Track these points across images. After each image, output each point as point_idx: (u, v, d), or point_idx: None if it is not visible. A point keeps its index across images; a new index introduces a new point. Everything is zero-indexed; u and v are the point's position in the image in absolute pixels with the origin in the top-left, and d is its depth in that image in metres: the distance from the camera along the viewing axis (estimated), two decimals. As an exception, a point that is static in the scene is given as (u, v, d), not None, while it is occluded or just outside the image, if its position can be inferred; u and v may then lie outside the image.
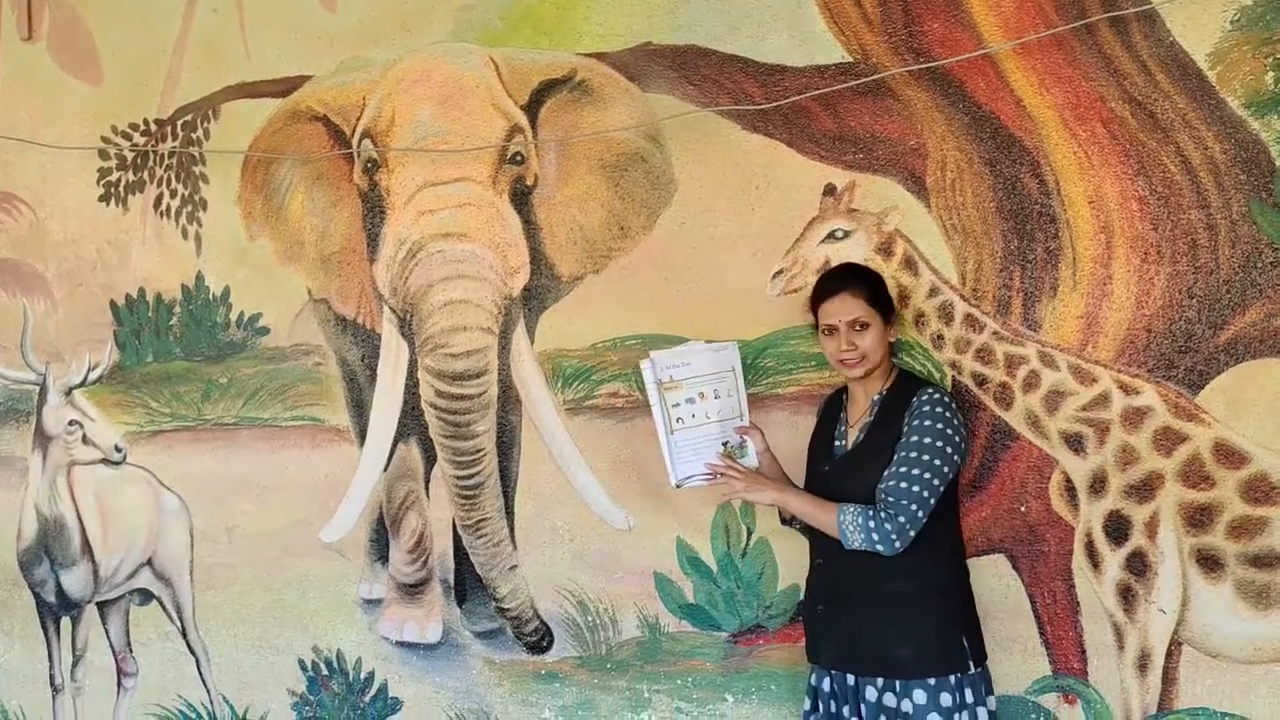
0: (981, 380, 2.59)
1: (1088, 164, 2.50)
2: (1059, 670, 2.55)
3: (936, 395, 2.37)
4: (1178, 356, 2.44)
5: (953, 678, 2.29)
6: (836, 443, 2.49)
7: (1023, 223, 2.55)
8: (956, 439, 2.33)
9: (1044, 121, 2.53)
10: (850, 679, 2.38)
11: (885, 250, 2.67)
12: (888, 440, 2.35)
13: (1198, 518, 2.42)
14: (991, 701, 2.38)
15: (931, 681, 2.27)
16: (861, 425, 2.44)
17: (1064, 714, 2.55)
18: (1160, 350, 2.45)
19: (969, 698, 2.31)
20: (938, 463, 2.29)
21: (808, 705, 2.50)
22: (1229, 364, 2.40)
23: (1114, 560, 2.49)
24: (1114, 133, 2.47)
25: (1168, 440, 2.44)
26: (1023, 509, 2.57)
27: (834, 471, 2.45)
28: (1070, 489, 2.53)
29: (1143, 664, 2.48)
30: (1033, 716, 2.57)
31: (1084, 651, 2.53)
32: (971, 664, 2.33)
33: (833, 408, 2.58)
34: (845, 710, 2.39)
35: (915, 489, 2.26)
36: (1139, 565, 2.46)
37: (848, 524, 2.29)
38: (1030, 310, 2.55)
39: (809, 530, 2.50)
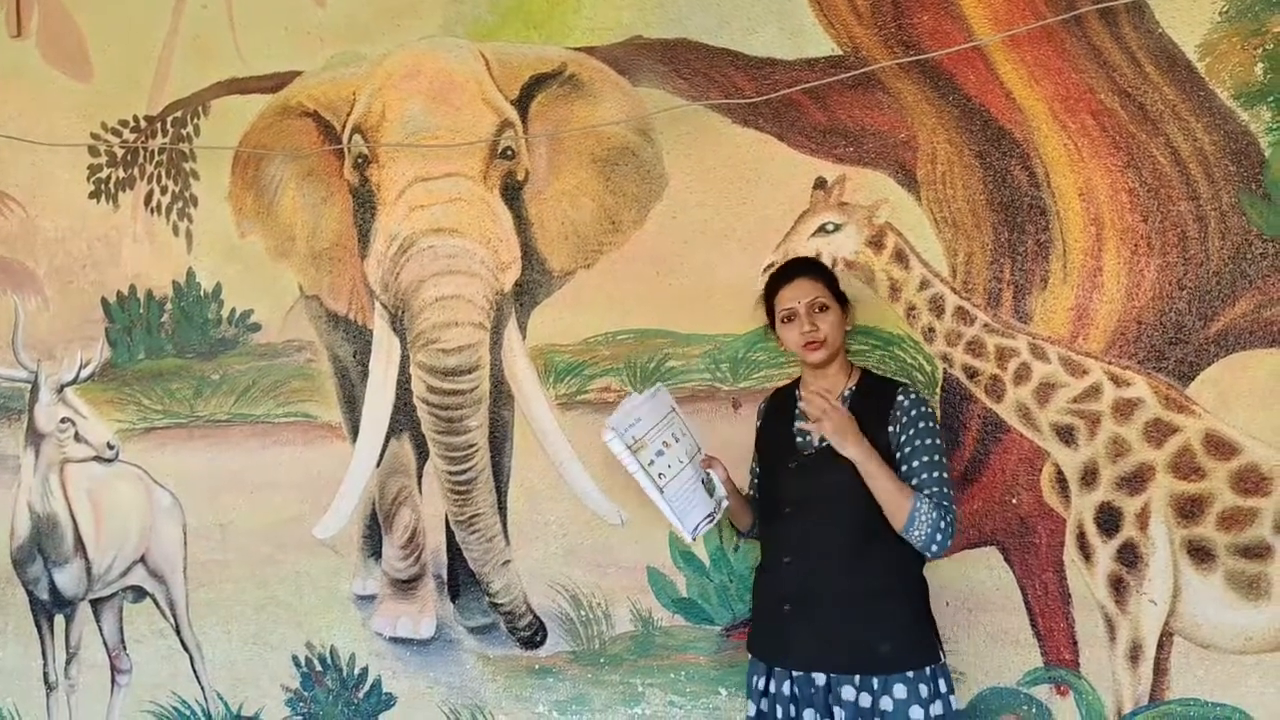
0: (972, 373, 2.59)
1: (1078, 156, 2.50)
2: (1051, 662, 2.55)
3: (923, 396, 2.38)
4: (1168, 348, 2.44)
5: (928, 669, 2.30)
6: (799, 439, 2.45)
7: (1013, 215, 2.56)
8: (942, 434, 2.36)
9: (1034, 114, 2.53)
10: (820, 679, 2.32)
11: (876, 243, 2.67)
12: (869, 436, 2.31)
13: (1188, 509, 2.43)
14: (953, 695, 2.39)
15: (910, 675, 2.27)
16: None
17: (1056, 705, 2.55)
18: (1151, 342, 2.45)
19: (942, 687, 2.32)
20: (949, 463, 2.34)
21: (753, 710, 2.44)
22: (1219, 355, 2.41)
23: (1105, 552, 2.49)
24: (1104, 124, 2.48)
25: (1158, 432, 2.44)
26: (1014, 501, 2.57)
27: (805, 468, 2.40)
28: (1062, 481, 2.53)
29: (1134, 655, 2.48)
30: (1025, 708, 2.57)
31: (1075, 643, 2.53)
32: (940, 654, 2.35)
33: (780, 407, 2.55)
34: (807, 714, 2.34)
35: (952, 493, 2.28)
36: (1130, 556, 2.47)
37: (923, 512, 2.23)
38: (1021, 302, 2.55)
39: (767, 533, 2.49)
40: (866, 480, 2.27)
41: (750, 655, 2.48)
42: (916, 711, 2.25)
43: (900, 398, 2.35)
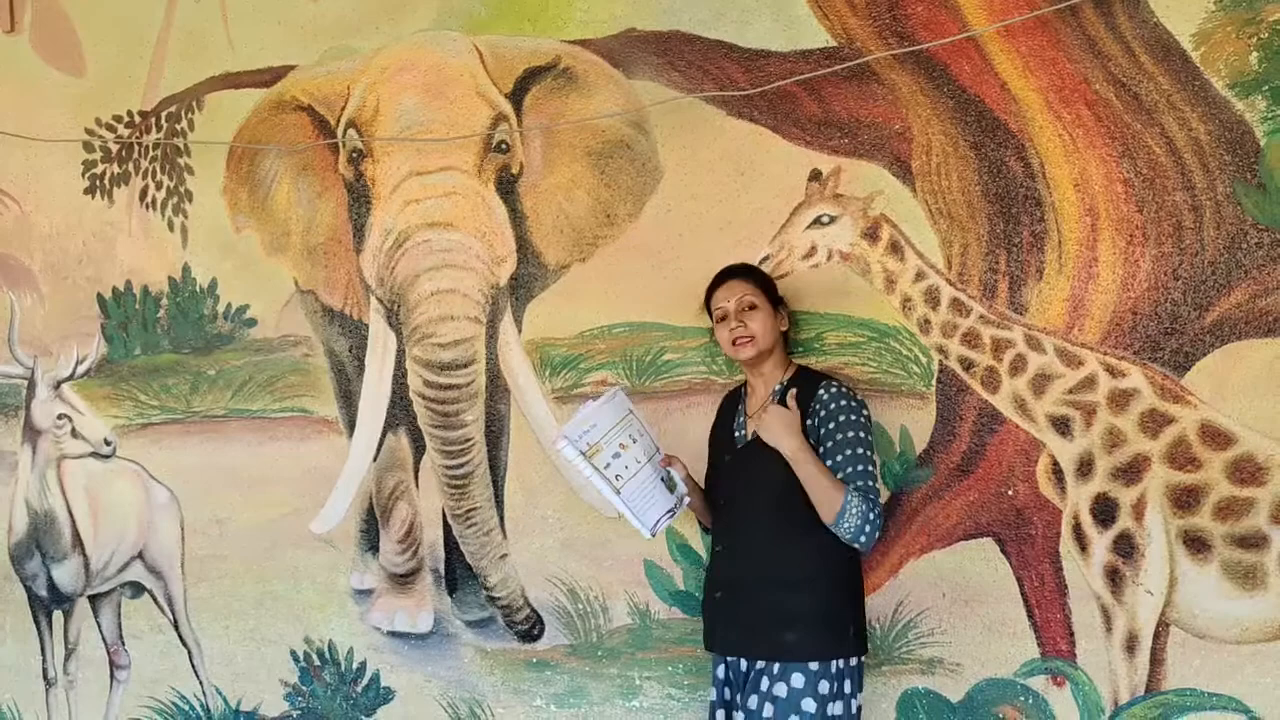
0: (968, 364, 2.59)
1: (1072, 147, 2.49)
2: (1047, 653, 2.55)
3: (844, 389, 2.42)
4: (1164, 338, 2.44)
5: (834, 665, 2.32)
6: (736, 434, 2.54)
7: (1008, 206, 2.55)
8: (870, 427, 2.41)
9: (1029, 104, 2.53)
10: (744, 665, 2.41)
11: (871, 235, 2.67)
12: None
13: (1184, 499, 2.42)
14: (859, 698, 2.41)
15: (813, 667, 2.30)
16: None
17: (1052, 696, 2.55)
18: (1146, 332, 2.45)
19: (847, 688, 2.35)
20: (870, 454, 2.36)
21: (714, 695, 2.52)
22: (1215, 345, 2.40)
23: (1101, 543, 2.49)
24: (1099, 115, 2.47)
25: (1154, 422, 2.44)
26: (1010, 492, 2.57)
27: (736, 461, 2.49)
28: (1057, 472, 2.53)
29: (1130, 645, 2.48)
30: (1021, 699, 2.57)
31: (1072, 634, 2.53)
32: (856, 653, 2.38)
33: (730, 404, 2.64)
34: (738, 698, 2.42)
35: (876, 485, 2.34)
36: (1126, 547, 2.47)
37: (853, 506, 2.27)
38: (1016, 294, 2.55)
39: (712, 524, 2.57)
40: (799, 474, 2.32)
41: None
42: (809, 704, 2.29)
43: (820, 391, 2.41)
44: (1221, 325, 2.40)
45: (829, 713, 2.31)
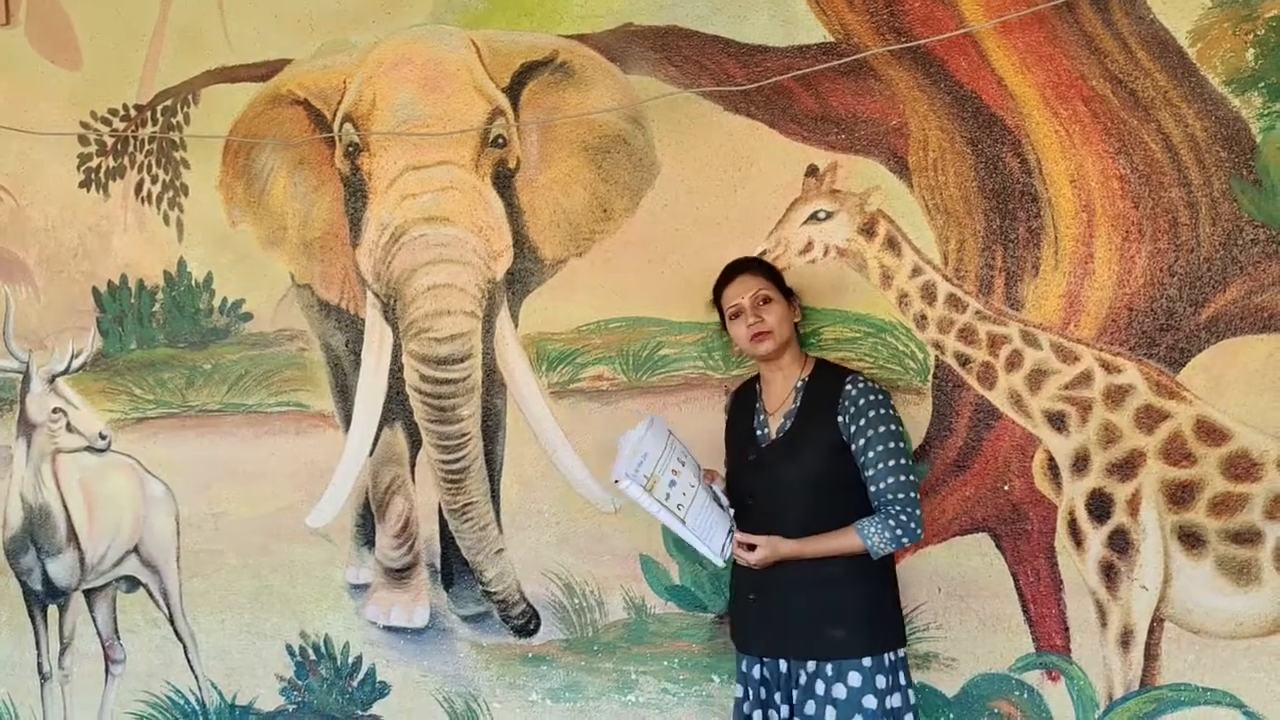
0: (964, 360, 2.59)
1: (1069, 143, 2.49)
2: (1042, 648, 2.56)
3: (873, 385, 2.41)
4: (1159, 334, 2.44)
5: (887, 658, 2.32)
6: (759, 431, 2.49)
7: (1005, 202, 2.55)
8: (899, 421, 2.39)
9: (1025, 100, 2.53)
10: (783, 665, 2.39)
11: (868, 231, 2.67)
12: (818, 427, 2.38)
13: (1179, 495, 2.43)
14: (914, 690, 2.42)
15: (867, 663, 2.29)
16: (786, 412, 2.45)
17: (1047, 691, 2.56)
18: (1142, 328, 2.45)
19: (902, 679, 2.34)
20: (906, 447, 2.35)
21: (740, 692, 2.49)
22: (1210, 341, 2.41)
23: (1096, 538, 2.50)
24: (1095, 111, 2.47)
25: (1149, 418, 2.45)
26: (1006, 488, 2.58)
27: (762, 459, 2.45)
28: (1053, 467, 2.53)
29: (1125, 641, 2.49)
30: (1016, 693, 2.58)
31: (1067, 629, 2.54)
32: (902, 643, 2.37)
33: (745, 399, 2.59)
34: (777, 696, 2.40)
35: (911, 479, 2.32)
36: (1121, 543, 2.47)
37: (872, 536, 2.28)
38: (1012, 289, 2.55)
39: (741, 524, 2.47)
40: (819, 556, 2.31)
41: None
42: (870, 701, 2.28)
43: (848, 387, 2.39)
44: (1217, 321, 2.40)
45: (888, 705, 2.30)
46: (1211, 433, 2.40)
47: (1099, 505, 2.49)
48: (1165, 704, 2.47)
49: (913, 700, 2.36)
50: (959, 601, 2.60)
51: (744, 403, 2.59)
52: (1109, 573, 2.49)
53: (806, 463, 2.37)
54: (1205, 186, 2.40)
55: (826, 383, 2.43)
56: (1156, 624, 2.47)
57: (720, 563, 2.40)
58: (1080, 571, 2.51)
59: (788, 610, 2.37)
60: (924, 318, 2.62)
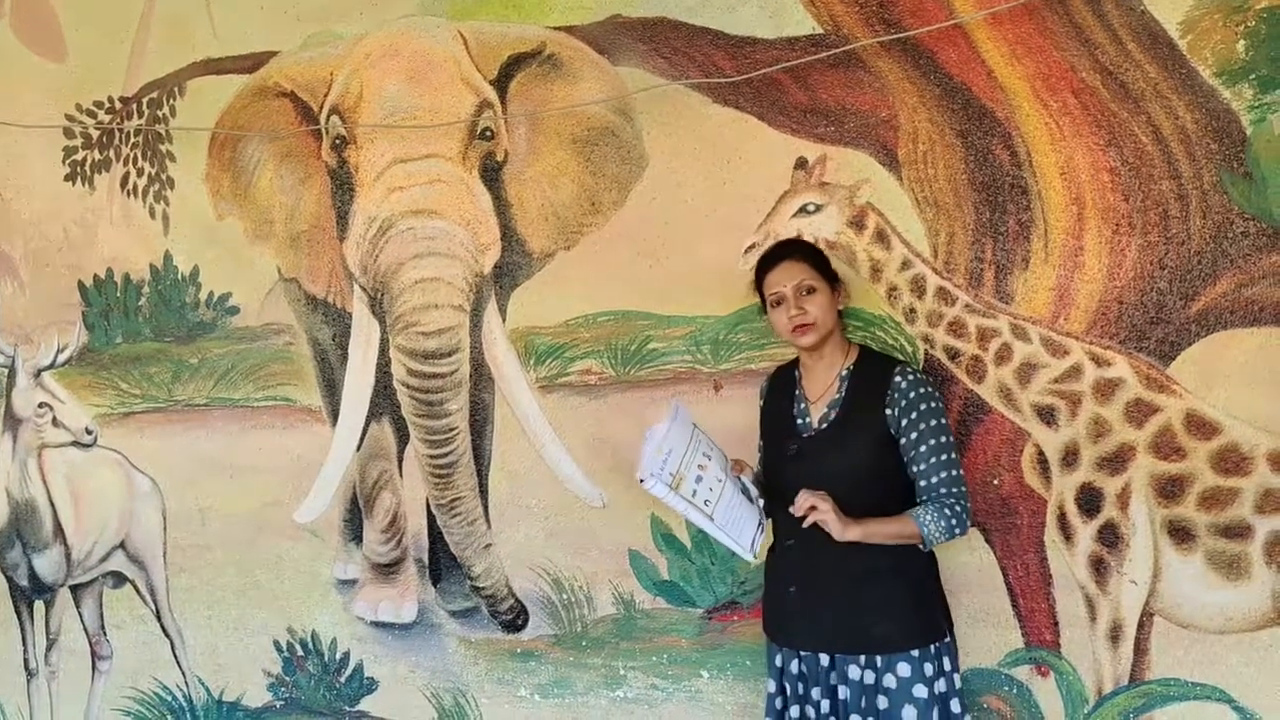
0: (954, 354, 2.58)
1: (1059, 135, 2.48)
2: (1031, 643, 2.55)
3: (921, 376, 2.37)
4: (1149, 328, 2.43)
5: (933, 647, 2.30)
6: (799, 421, 2.44)
7: (994, 195, 2.54)
8: (946, 414, 2.36)
9: (1015, 92, 2.51)
10: (824, 659, 2.35)
11: (857, 224, 2.65)
12: (865, 418, 2.34)
13: (1169, 489, 2.42)
14: (959, 675, 2.40)
15: (915, 654, 2.28)
16: (830, 402, 2.41)
17: (1037, 686, 2.55)
18: (1132, 321, 2.44)
19: (946, 665, 2.32)
20: (952, 439, 2.33)
21: (772, 687, 2.48)
22: (1200, 335, 2.39)
23: (1086, 532, 2.49)
24: (1085, 103, 2.45)
25: (1139, 412, 2.43)
26: (995, 482, 2.56)
27: (805, 450, 2.39)
28: (1043, 462, 2.52)
29: (1115, 635, 2.48)
30: (1005, 688, 2.57)
31: (1056, 624, 2.53)
32: (946, 631, 2.35)
33: (782, 386, 2.53)
34: (815, 692, 2.38)
35: (959, 474, 2.30)
36: (1111, 537, 2.46)
37: (930, 526, 2.25)
38: (1002, 283, 2.54)
39: (774, 515, 2.46)
40: (878, 541, 2.26)
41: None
42: (920, 690, 2.26)
43: (897, 378, 2.34)
44: (1207, 315, 2.39)
45: (936, 691, 2.28)
46: (1202, 427, 2.39)
47: (1089, 499, 2.48)
48: (1154, 699, 2.46)
49: (958, 685, 2.34)
50: (949, 596, 2.54)
51: (782, 389, 2.52)
52: (1099, 567, 2.48)
53: (852, 454, 2.31)
54: (1196, 179, 2.39)
55: (874, 372, 2.38)
56: (1146, 619, 2.46)
57: (751, 559, 2.36)
58: (1070, 566, 2.50)
59: (833, 603, 2.33)
60: (913, 311, 2.60)
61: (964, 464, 2.56)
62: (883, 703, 2.28)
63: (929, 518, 2.26)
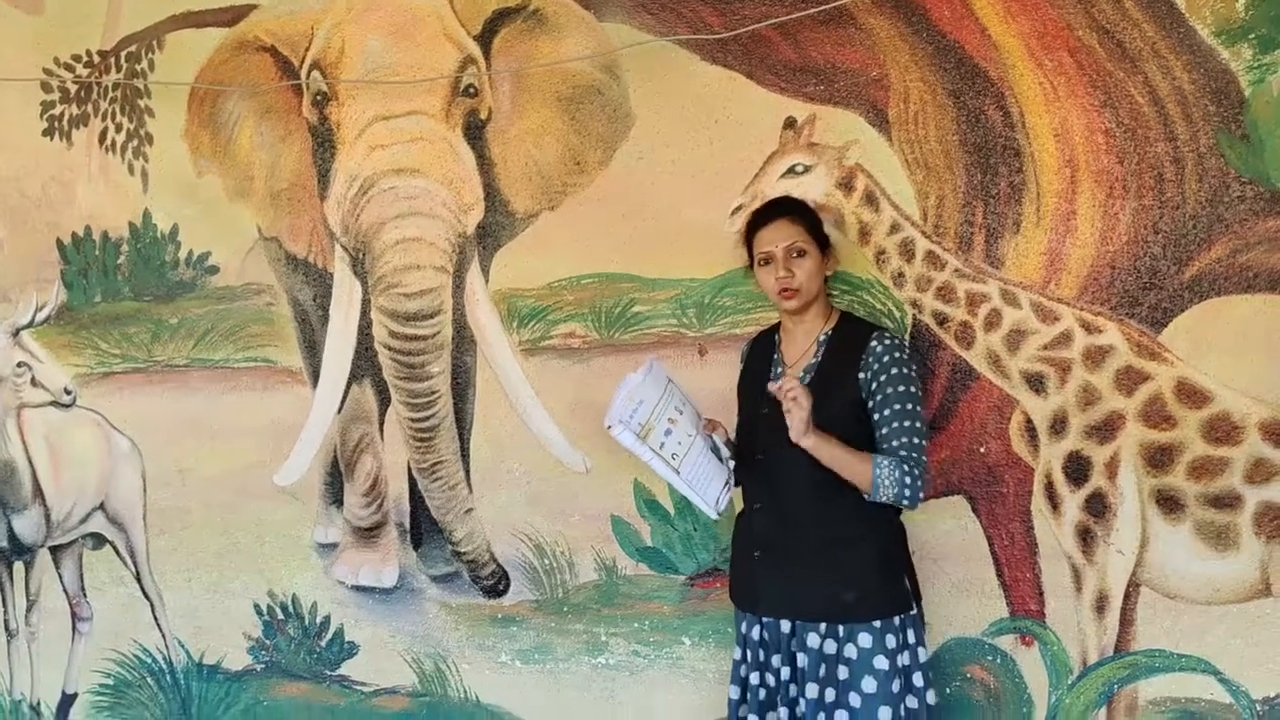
0: (942, 319, 2.53)
1: (1053, 95, 2.43)
2: (1016, 612, 2.53)
3: (897, 340, 2.32)
4: (1142, 294, 2.39)
5: (897, 619, 2.27)
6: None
7: (986, 156, 2.49)
8: (919, 383, 2.30)
9: (1009, 51, 2.46)
10: (785, 626, 2.33)
11: (846, 185, 2.60)
12: (838, 382, 2.30)
13: (1158, 458, 2.39)
14: (925, 648, 2.37)
15: (877, 624, 2.25)
16: (806, 366, 2.37)
17: (1021, 656, 2.53)
18: (1124, 287, 2.40)
19: (911, 638, 2.29)
20: (921, 410, 2.27)
21: (739, 654, 2.45)
22: (1193, 301, 2.36)
23: (1073, 501, 2.46)
24: (1080, 62, 2.40)
25: (1129, 379, 2.40)
26: (982, 450, 2.53)
27: (776, 412, 2.32)
28: (1030, 429, 2.49)
29: (1100, 605, 2.46)
30: (989, 658, 2.55)
31: (1041, 593, 2.51)
32: (913, 604, 2.31)
33: (762, 350, 2.51)
34: (775, 659, 2.35)
35: (922, 442, 2.24)
36: (1098, 506, 2.43)
37: (884, 476, 2.20)
38: (993, 247, 2.49)
39: (743, 478, 2.44)
40: (824, 462, 2.23)
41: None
42: (881, 661, 2.23)
43: (873, 343, 2.30)
44: (1201, 280, 2.35)
45: (899, 664, 2.25)
46: (1193, 395, 2.36)
47: (1076, 468, 2.45)
48: (1140, 670, 2.44)
49: (922, 659, 2.31)
50: (932, 564, 2.56)
51: (760, 353, 2.50)
52: (1085, 537, 2.45)
53: (824, 417, 2.24)
54: (1192, 141, 2.34)
55: (851, 337, 2.34)
56: (1132, 589, 2.43)
57: (715, 515, 2.36)
58: (1056, 535, 2.48)
59: (797, 570, 2.31)
60: (901, 275, 2.56)
61: (950, 430, 2.55)
62: (843, 673, 2.25)
63: (886, 468, 2.20)
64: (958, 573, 2.55)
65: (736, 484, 2.46)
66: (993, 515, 2.53)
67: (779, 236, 2.35)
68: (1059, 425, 2.46)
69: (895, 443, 2.22)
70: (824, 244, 2.40)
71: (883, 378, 2.26)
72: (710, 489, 2.34)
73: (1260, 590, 2.35)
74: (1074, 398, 2.44)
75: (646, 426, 2.27)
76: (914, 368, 2.30)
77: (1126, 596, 2.44)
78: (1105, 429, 2.42)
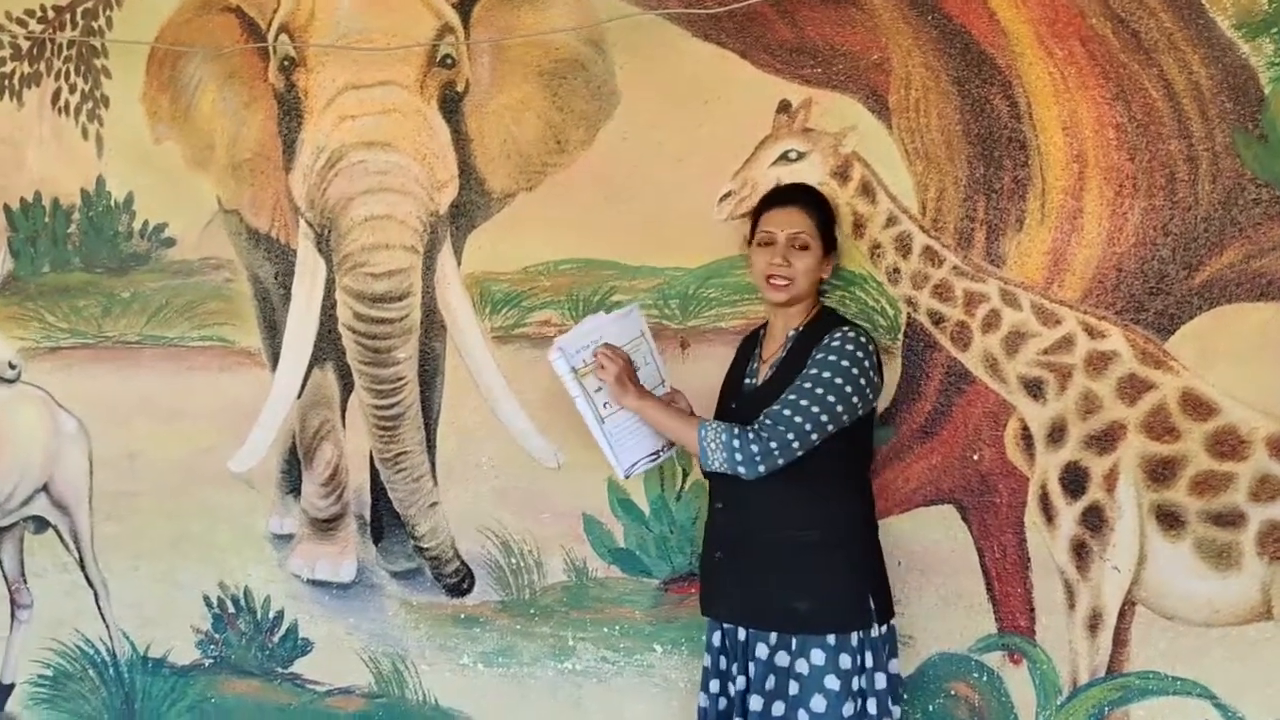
0: (938, 318, 2.45)
1: (1063, 86, 2.35)
2: (1005, 628, 2.46)
3: (852, 334, 2.22)
4: (1148, 298, 2.31)
5: (855, 637, 2.18)
6: (747, 380, 2.36)
7: (990, 148, 2.41)
8: (861, 381, 2.18)
9: (1018, 37, 2.37)
10: (742, 634, 2.26)
11: (841, 174, 2.51)
12: (794, 378, 2.20)
13: (1160, 471, 2.32)
14: (894, 665, 2.29)
15: (831, 640, 2.16)
16: (775, 362, 2.31)
17: (1008, 674, 2.46)
18: (1130, 291, 2.32)
19: (869, 661, 2.20)
20: (831, 399, 2.13)
21: (708, 662, 2.38)
22: (1202, 308, 2.29)
23: (1069, 514, 2.38)
24: (1093, 52, 2.32)
25: (1133, 388, 2.32)
26: (975, 457, 2.45)
27: (741, 408, 2.29)
28: (1027, 437, 2.42)
29: (1093, 624, 2.39)
30: (975, 675, 2.48)
31: (1032, 609, 2.44)
32: (876, 624, 2.21)
33: (749, 346, 2.45)
34: (733, 668, 2.28)
35: (797, 419, 2.12)
36: (1095, 520, 2.36)
37: (709, 440, 2.16)
38: (994, 244, 2.42)
39: (715, 476, 2.32)
40: (656, 428, 2.28)
41: None
42: (832, 681, 2.16)
43: (829, 338, 2.20)
44: (1211, 286, 2.28)
45: (854, 687, 2.17)
46: (1198, 406, 2.28)
47: (1074, 479, 2.37)
48: (1132, 692, 2.37)
49: (880, 685, 2.21)
50: (919, 576, 2.49)
51: (746, 349, 2.46)
52: (1080, 551, 2.38)
53: None
54: (1207, 139, 2.26)
55: (819, 333, 2.25)
56: (1127, 607, 2.36)
57: (621, 475, 2.37)
58: (1050, 549, 2.40)
59: (753, 574, 2.24)
60: (897, 271, 2.47)
61: (942, 436, 2.47)
62: (793, 688, 2.17)
63: (713, 431, 2.17)
64: (945, 585, 2.48)
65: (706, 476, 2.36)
66: (984, 526, 2.46)
67: (787, 222, 2.28)
68: (1057, 434, 2.38)
69: (772, 408, 2.15)
70: (830, 245, 2.33)
71: (811, 359, 2.18)
72: (628, 452, 2.33)
73: (1261, 612, 2.28)
74: (1074, 405, 2.36)
75: (590, 366, 2.28)
76: (854, 362, 2.17)
77: (1121, 615, 2.37)
78: (1105, 439, 2.34)
